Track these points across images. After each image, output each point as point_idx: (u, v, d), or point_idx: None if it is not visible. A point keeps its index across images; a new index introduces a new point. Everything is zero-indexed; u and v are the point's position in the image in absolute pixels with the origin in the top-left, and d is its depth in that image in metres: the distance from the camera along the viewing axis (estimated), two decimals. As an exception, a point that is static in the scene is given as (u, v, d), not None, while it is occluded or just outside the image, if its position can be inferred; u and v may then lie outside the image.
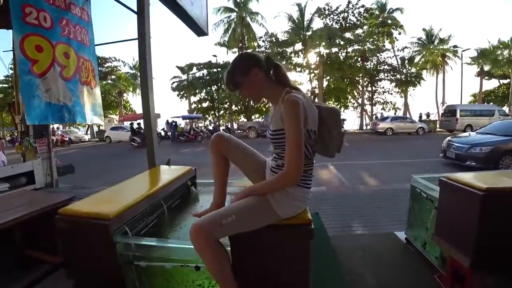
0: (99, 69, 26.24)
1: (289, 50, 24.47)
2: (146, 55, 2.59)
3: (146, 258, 1.28)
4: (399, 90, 25.59)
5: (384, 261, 2.24)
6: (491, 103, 26.17)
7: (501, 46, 23.86)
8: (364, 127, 25.17)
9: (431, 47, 26.23)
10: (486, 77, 27.68)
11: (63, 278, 1.69)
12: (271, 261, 1.24)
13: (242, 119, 27.54)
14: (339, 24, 23.70)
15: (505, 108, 23.74)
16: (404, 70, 25.28)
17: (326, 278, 1.95)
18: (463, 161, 6.51)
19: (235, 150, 1.49)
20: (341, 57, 23.20)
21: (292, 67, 23.58)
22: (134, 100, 33.51)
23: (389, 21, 24.54)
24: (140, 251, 1.28)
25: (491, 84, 30.20)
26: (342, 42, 22.85)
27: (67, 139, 20.39)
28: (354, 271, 2.08)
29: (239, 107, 27.36)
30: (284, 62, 21.56)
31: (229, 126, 25.16)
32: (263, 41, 25.27)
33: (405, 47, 26.01)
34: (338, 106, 24.26)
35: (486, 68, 25.92)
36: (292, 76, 23.66)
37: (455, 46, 26.16)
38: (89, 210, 1.31)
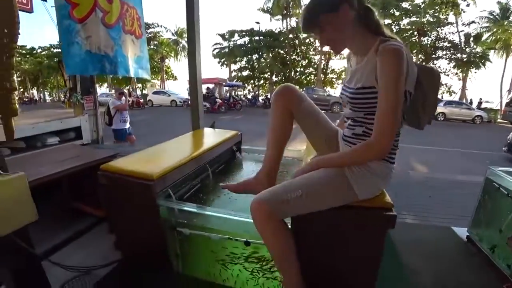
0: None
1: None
2: (194, 10, 2.39)
3: (190, 226, 1.18)
4: (458, 72, 22.89)
5: (441, 258, 1.99)
6: None
7: None
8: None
9: (505, 23, 22.54)
10: None
11: (107, 231, 1.71)
12: (338, 245, 1.06)
13: (282, 90, 26.97)
14: (396, -9, 21.28)
15: None
16: (468, 49, 22.37)
17: (386, 268, 1.75)
18: (533, 158, 5.70)
19: (307, 111, 1.16)
20: (394, 30, 21.08)
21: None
22: (175, 66, 34.13)
23: (457, -10, 21.45)
24: (185, 217, 1.18)
25: None
26: (397, 13, 20.62)
27: (142, 101, 20.01)
28: (408, 264, 1.87)
29: (279, 77, 26.69)
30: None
31: (269, 96, 24.81)
32: (309, 9, 23.83)
33: (472, 22, 22.76)
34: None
35: None
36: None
37: (536, 24, 22.38)
38: (132, 168, 1.23)
